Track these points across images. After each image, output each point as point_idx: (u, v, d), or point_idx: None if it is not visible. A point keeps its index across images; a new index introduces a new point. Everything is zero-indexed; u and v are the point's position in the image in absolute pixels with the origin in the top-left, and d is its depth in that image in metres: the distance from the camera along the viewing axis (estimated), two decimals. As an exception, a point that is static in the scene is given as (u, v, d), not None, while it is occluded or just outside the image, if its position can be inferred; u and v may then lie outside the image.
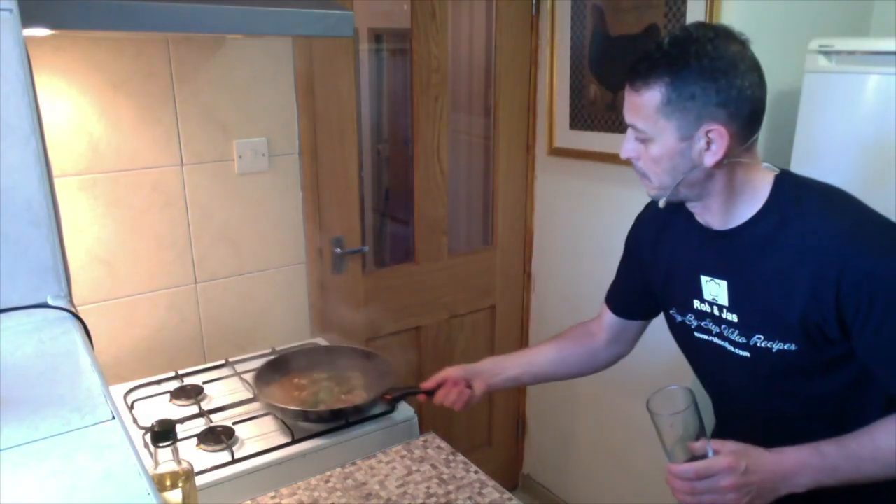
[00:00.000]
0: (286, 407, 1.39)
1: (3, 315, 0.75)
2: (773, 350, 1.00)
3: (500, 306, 2.39)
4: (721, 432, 1.22)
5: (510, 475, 2.60)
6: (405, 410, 1.46)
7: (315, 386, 1.51)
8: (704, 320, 1.10)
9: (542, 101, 2.21)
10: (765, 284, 1.00)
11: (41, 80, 1.42)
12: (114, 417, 0.61)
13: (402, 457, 1.27)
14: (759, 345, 1.02)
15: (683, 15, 1.68)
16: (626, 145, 1.04)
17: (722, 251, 1.05)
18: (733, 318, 1.05)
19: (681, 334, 1.18)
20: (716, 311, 1.07)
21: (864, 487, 0.97)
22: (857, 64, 1.41)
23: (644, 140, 1.00)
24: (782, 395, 1.06)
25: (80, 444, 0.57)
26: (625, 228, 2.02)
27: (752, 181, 1.01)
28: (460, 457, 1.28)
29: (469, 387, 1.30)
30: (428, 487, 1.19)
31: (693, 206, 1.06)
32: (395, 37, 2.09)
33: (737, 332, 1.05)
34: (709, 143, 0.95)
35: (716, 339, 1.09)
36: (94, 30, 1.17)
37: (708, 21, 1.62)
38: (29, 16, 0.85)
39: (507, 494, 1.17)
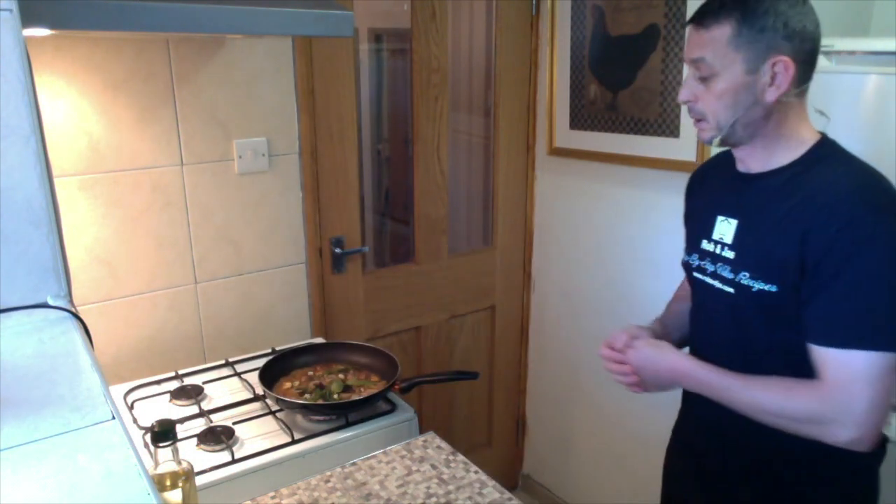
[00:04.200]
0: (295, 401, 1.41)
1: (3, 315, 0.75)
2: (754, 289, 1.05)
3: (500, 306, 2.39)
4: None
5: (510, 475, 2.60)
6: (405, 410, 1.46)
7: (324, 379, 1.52)
8: (704, 259, 1.17)
9: (542, 101, 2.21)
10: (768, 225, 1.05)
11: (41, 80, 1.42)
12: (114, 417, 0.61)
13: (402, 457, 1.27)
14: (742, 282, 1.07)
15: (683, 15, 1.68)
16: (684, 89, 1.08)
17: (745, 192, 1.11)
18: (730, 255, 1.11)
19: (686, 275, 1.25)
20: (717, 250, 1.14)
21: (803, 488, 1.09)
22: (857, 64, 1.41)
23: (708, 76, 1.04)
24: (752, 338, 1.10)
25: (80, 444, 0.57)
26: (624, 228, 2.03)
27: (798, 131, 1.06)
28: (460, 457, 1.28)
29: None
30: (428, 487, 1.19)
31: (740, 150, 1.11)
32: (395, 37, 2.09)
33: (728, 268, 1.11)
34: (773, 77, 1.00)
35: (709, 279, 1.16)
36: (94, 30, 1.16)
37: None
38: (29, 16, 0.85)
39: (507, 494, 1.17)
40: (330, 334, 1.98)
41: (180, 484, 0.94)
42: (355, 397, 1.43)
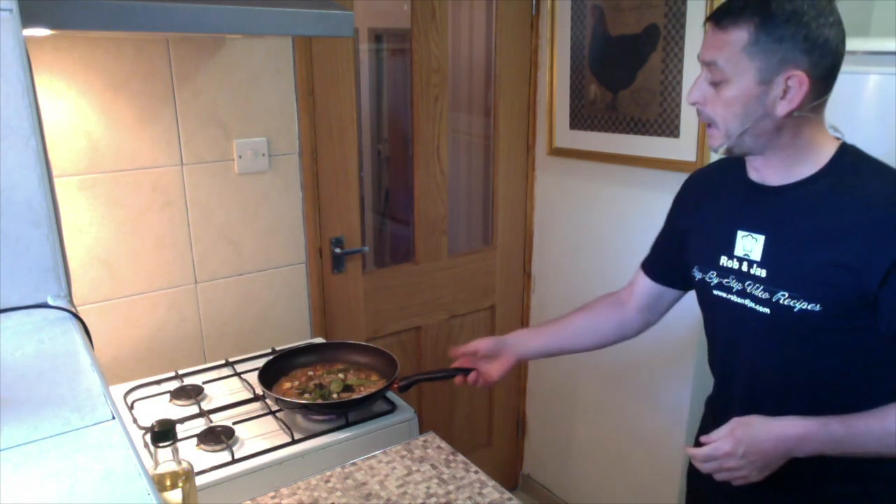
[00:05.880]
0: (295, 401, 1.40)
1: (3, 315, 0.75)
2: (795, 309, 1.00)
3: (500, 306, 2.39)
4: (723, 400, 1.21)
5: (510, 475, 2.60)
6: (405, 410, 1.46)
7: (323, 379, 1.52)
8: (727, 277, 1.11)
9: (542, 101, 2.21)
10: (805, 241, 1.00)
11: (41, 80, 1.42)
12: (114, 417, 0.61)
13: (402, 457, 1.27)
14: (781, 302, 1.02)
15: (683, 15, 1.68)
16: (695, 90, 1.03)
17: (768, 206, 1.06)
18: (761, 273, 1.05)
19: (699, 293, 1.19)
20: (744, 267, 1.08)
21: (859, 469, 1.02)
22: (857, 64, 1.40)
23: (719, 82, 0.99)
24: (793, 360, 1.05)
25: (80, 444, 0.57)
26: (624, 228, 2.03)
27: (816, 141, 1.01)
28: (460, 457, 1.28)
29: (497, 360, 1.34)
30: (428, 487, 1.19)
31: (753, 160, 1.07)
32: (395, 37, 2.09)
33: (761, 287, 1.05)
34: (786, 91, 0.95)
35: (734, 297, 1.09)
36: (94, 30, 1.16)
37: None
38: (29, 16, 0.85)
39: (507, 494, 1.17)
40: (330, 334, 1.99)
41: (180, 484, 0.94)
42: (355, 396, 1.43)
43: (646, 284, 1.34)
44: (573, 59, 2.03)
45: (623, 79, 1.88)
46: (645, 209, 1.94)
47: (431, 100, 2.07)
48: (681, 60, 1.71)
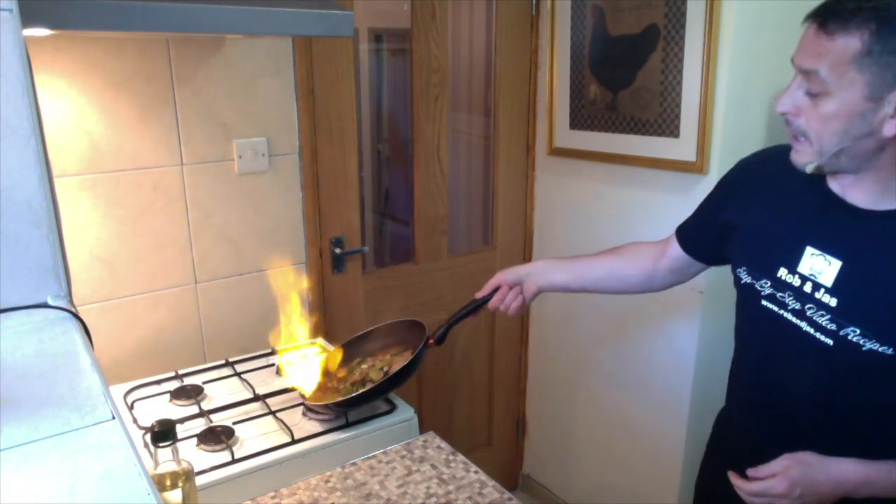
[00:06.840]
0: (351, 396, 1.35)
1: (3, 315, 0.75)
2: (864, 348, 0.92)
3: (500, 306, 2.39)
4: (748, 408, 1.15)
5: (510, 475, 2.60)
6: (405, 410, 1.46)
7: (353, 377, 1.46)
8: (784, 292, 1.02)
9: (542, 101, 2.21)
10: (889, 278, 0.91)
11: (41, 80, 1.42)
12: (114, 417, 0.61)
13: (402, 457, 1.27)
14: (850, 338, 0.93)
15: (683, 15, 1.68)
16: (786, 98, 0.91)
17: (849, 229, 0.95)
18: (830, 301, 0.95)
19: (744, 297, 1.11)
20: (806, 288, 0.98)
21: None
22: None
23: (818, 93, 0.87)
24: (844, 393, 0.98)
25: (80, 444, 0.57)
26: (624, 228, 2.04)
27: None
28: (460, 457, 1.28)
29: (521, 291, 1.36)
30: (428, 487, 1.19)
31: (842, 177, 0.96)
32: (395, 37, 2.09)
33: (828, 317, 0.96)
34: None
35: (789, 315, 1.01)
36: (94, 30, 1.17)
37: (709, 21, 1.62)
38: (29, 16, 0.85)
39: (507, 494, 1.17)
40: (330, 334, 1.98)
41: (180, 484, 0.94)
42: (401, 366, 1.36)
43: (678, 250, 1.27)
44: (573, 59, 2.03)
45: (623, 79, 1.88)
46: (645, 209, 1.94)
47: (431, 100, 2.07)
48: (681, 60, 1.71)
